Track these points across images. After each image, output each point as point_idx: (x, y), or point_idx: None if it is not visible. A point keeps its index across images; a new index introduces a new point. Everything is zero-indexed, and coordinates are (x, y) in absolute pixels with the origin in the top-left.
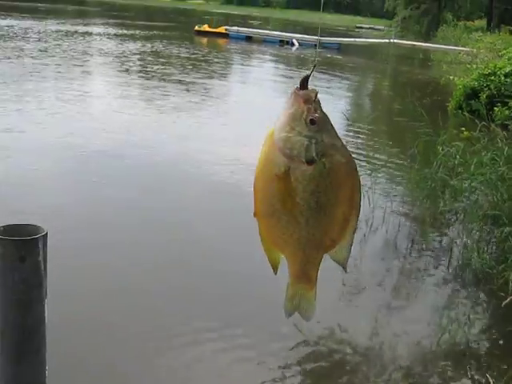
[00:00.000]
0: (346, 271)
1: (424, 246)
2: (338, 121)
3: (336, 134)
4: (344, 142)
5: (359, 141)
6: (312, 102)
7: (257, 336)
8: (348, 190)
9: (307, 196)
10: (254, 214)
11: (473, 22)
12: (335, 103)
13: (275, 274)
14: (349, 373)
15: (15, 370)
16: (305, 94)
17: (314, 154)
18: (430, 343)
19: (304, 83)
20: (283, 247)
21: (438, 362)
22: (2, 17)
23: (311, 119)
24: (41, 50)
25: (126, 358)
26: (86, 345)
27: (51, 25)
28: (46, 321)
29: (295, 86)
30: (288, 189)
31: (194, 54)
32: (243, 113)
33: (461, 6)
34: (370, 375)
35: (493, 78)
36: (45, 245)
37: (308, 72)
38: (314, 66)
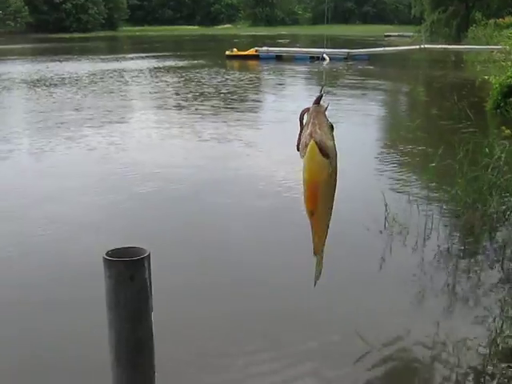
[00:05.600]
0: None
1: (476, 248)
2: (379, 131)
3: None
4: None
5: (405, 149)
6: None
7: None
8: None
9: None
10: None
11: (503, 18)
12: (373, 114)
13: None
14: (411, 378)
15: (130, 378)
16: (321, 107)
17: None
18: (487, 345)
19: (318, 100)
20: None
21: (497, 363)
22: (39, 60)
23: (331, 125)
24: (79, 88)
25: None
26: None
27: (86, 63)
28: (154, 332)
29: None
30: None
31: (228, 79)
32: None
33: (489, 4)
34: (432, 379)
35: None
36: (149, 264)
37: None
38: (323, 86)
